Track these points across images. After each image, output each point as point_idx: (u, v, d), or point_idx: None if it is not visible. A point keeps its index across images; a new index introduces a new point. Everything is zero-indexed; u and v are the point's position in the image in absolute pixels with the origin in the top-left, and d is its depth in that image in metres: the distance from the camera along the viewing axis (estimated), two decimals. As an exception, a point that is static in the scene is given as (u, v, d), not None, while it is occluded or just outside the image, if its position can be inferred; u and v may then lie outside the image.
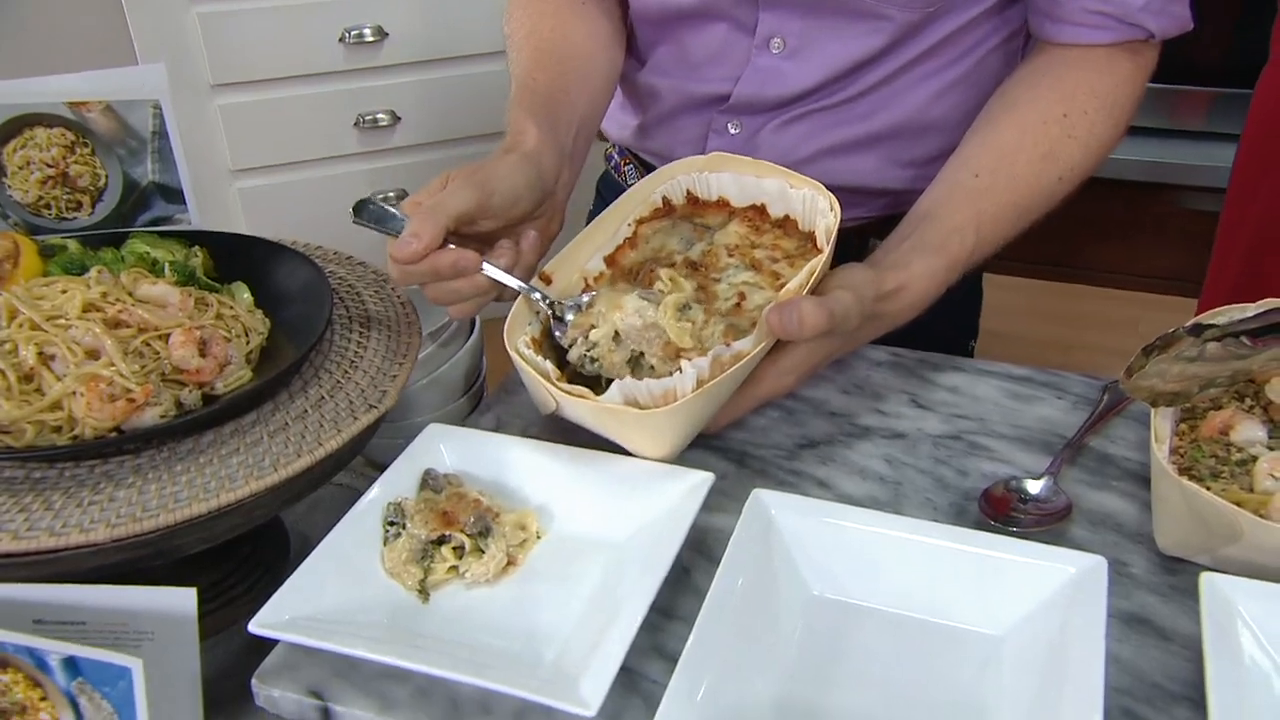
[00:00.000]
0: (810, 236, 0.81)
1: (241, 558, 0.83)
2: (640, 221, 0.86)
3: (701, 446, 0.78)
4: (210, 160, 2.44)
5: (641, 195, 0.86)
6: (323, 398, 0.74)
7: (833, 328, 0.71)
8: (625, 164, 1.12)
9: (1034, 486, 0.71)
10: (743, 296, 0.77)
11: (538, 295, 0.76)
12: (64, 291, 0.73)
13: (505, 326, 0.75)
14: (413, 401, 0.94)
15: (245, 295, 0.82)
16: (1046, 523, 0.68)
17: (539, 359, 0.73)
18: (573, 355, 0.75)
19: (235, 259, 0.86)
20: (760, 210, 0.85)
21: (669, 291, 0.76)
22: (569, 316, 0.77)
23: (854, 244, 0.99)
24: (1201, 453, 0.68)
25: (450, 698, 0.60)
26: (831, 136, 0.96)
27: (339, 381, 0.75)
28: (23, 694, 0.60)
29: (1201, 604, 0.58)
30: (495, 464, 0.73)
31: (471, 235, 0.79)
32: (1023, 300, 2.67)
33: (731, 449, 0.78)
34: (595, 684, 0.55)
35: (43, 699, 0.60)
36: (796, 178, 0.82)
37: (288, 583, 0.62)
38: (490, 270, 0.76)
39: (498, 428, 0.81)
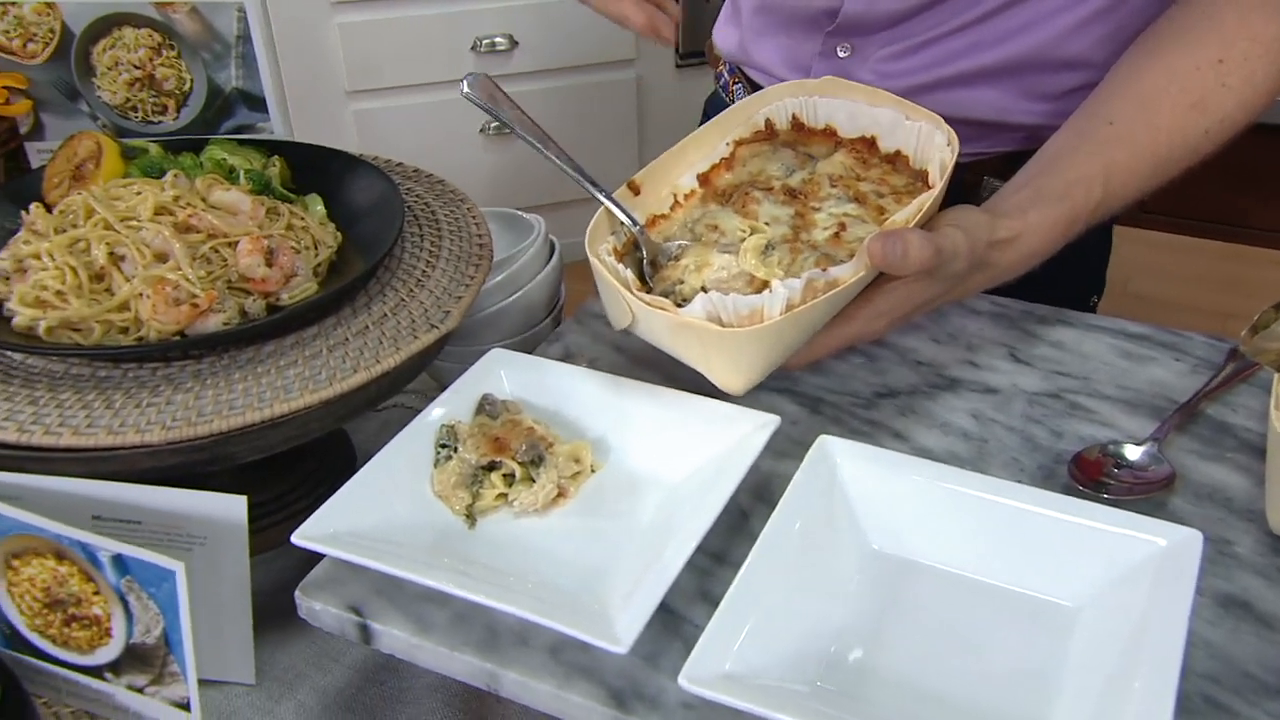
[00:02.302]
0: (922, 175, 0.78)
1: (306, 473, 0.86)
2: (740, 143, 0.84)
3: (774, 389, 0.77)
4: (328, 81, 2.50)
5: (744, 115, 0.84)
6: (385, 315, 0.75)
7: (938, 266, 0.69)
8: (734, 83, 1.10)
9: (1133, 452, 0.68)
10: (843, 227, 0.75)
11: (625, 219, 0.75)
12: (139, 193, 0.77)
13: (587, 233, 0.74)
14: (489, 325, 0.95)
15: (319, 207, 0.84)
16: (1142, 491, 0.65)
17: (619, 266, 0.72)
18: (658, 290, 0.75)
19: (313, 170, 0.88)
20: (869, 142, 0.82)
21: (746, 237, 0.74)
22: (660, 259, 0.76)
23: (968, 182, 0.95)
24: (1331, 427, 0.64)
25: (488, 625, 0.61)
26: (953, 67, 0.92)
27: (403, 299, 0.77)
28: (78, 586, 0.64)
29: (1306, 590, 0.55)
30: (556, 393, 0.74)
31: None
32: (1175, 260, 2.53)
33: (806, 394, 0.77)
34: (630, 621, 0.55)
35: (95, 593, 0.64)
36: (914, 109, 0.79)
37: (334, 497, 0.64)
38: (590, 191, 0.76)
39: (565, 357, 0.82)
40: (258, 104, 0.92)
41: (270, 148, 0.89)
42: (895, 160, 0.81)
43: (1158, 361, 0.78)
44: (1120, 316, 0.84)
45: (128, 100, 0.91)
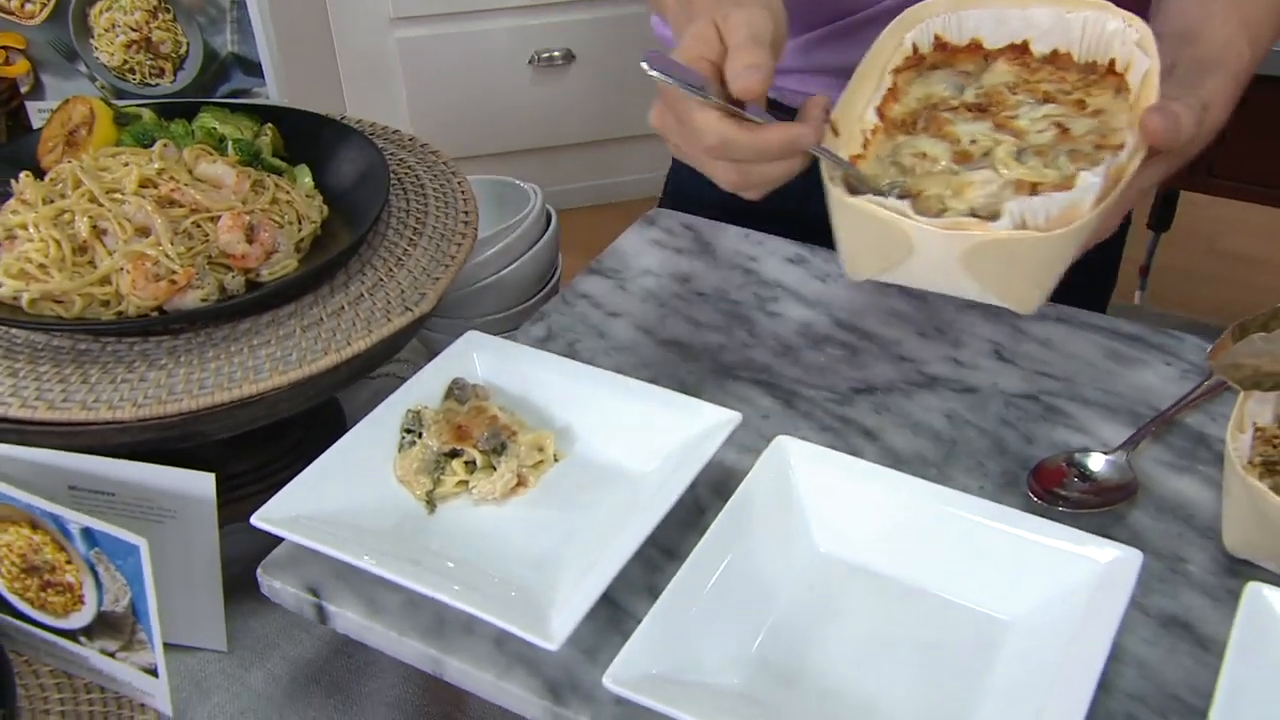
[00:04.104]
0: (1091, 67, 0.77)
1: (292, 443, 0.92)
2: (896, 71, 0.81)
3: (749, 381, 0.81)
4: (372, 6, 2.54)
5: (891, 44, 0.82)
6: (362, 295, 0.81)
7: (1194, 134, 0.68)
8: None
9: (1097, 462, 0.71)
10: (1062, 128, 0.74)
11: (838, 162, 0.72)
12: (125, 164, 0.82)
13: (824, 177, 0.71)
14: (482, 297, 1.01)
15: (307, 180, 0.90)
16: (1098, 504, 0.68)
17: (884, 197, 0.68)
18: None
19: (305, 138, 0.93)
20: (1021, 49, 0.80)
21: (982, 149, 0.73)
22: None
23: None
24: (1301, 447, 0.66)
25: (437, 613, 0.66)
26: None
27: (381, 279, 0.82)
28: (51, 555, 0.71)
29: (1238, 610, 0.58)
30: (526, 379, 0.78)
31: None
32: (1261, 216, 2.48)
33: (780, 386, 0.81)
34: (565, 618, 0.60)
35: (68, 562, 0.71)
36: (1073, 0, 0.77)
37: (295, 480, 0.70)
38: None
39: (547, 338, 0.86)
40: (253, 69, 0.97)
41: (263, 114, 0.94)
42: (1055, 60, 0.79)
43: (1147, 364, 0.80)
44: (1118, 316, 0.86)
45: (125, 62, 0.97)
